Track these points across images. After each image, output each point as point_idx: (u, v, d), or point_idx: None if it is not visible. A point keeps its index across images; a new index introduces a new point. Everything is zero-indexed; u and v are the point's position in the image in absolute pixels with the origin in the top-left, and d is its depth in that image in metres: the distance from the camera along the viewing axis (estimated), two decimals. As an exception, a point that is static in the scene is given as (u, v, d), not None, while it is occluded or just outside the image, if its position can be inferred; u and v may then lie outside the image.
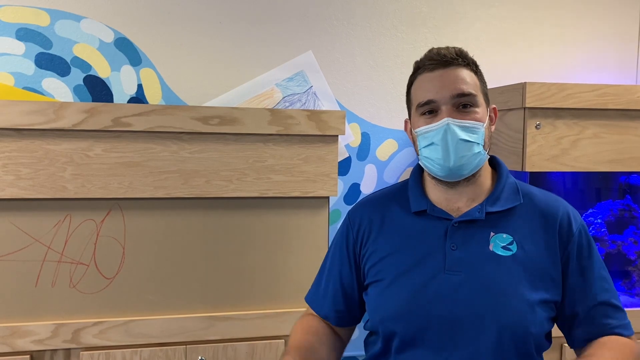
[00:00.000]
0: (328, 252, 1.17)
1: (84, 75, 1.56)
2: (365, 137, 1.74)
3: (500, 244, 1.00)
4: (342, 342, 1.14)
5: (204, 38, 1.63)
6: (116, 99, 1.57)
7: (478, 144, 0.99)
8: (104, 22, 1.56)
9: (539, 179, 1.58)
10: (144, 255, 1.35)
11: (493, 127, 1.07)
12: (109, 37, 1.57)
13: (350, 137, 1.72)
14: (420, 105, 1.02)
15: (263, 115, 1.37)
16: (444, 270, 1.00)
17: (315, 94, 1.70)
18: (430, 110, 1.01)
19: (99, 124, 1.28)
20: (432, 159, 1.01)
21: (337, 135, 1.42)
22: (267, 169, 1.39)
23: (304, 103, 1.70)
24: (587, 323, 1.00)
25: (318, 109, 1.68)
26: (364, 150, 1.74)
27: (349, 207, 1.75)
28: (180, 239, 1.37)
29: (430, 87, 1.00)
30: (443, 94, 0.99)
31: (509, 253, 1.00)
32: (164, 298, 1.36)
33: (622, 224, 1.69)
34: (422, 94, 1.01)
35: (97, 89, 1.56)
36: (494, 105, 1.07)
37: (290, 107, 1.68)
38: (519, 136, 1.46)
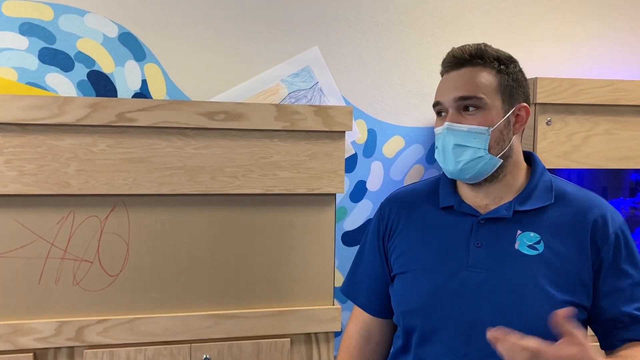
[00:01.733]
0: (362, 243, 1.19)
1: (88, 70, 1.54)
2: (371, 133, 1.72)
3: (526, 242, 0.98)
4: (385, 341, 1.16)
5: (209, 33, 1.61)
6: (120, 94, 1.56)
7: (478, 148, 0.97)
8: (108, 16, 1.54)
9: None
10: (149, 252, 1.33)
11: (520, 127, 1.02)
12: (113, 32, 1.55)
13: (357, 133, 1.70)
14: (434, 106, 1.04)
15: (269, 111, 1.35)
16: (467, 267, 0.98)
17: (321, 89, 1.68)
18: (439, 111, 1.03)
19: (103, 119, 1.27)
20: (439, 161, 1.03)
21: (344, 132, 1.40)
22: (273, 165, 1.37)
23: (310, 99, 1.68)
24: (623, 330, 0.97)
25: (324, 104, 1.66)
26: (370, 147, 1.72)
27: (355, 205, 1.74)
28: (184, 236, 1.35)
29: (441, 88, 1.02)
30: (447, 97, 1.00)
31: (535, 252, 0.97)
32: (168, 296, 1.35)
33: (633, 222, 1.67)
34: (436, 95, 1.04)
35: (101, 84, 1.55)
36: (524, 104, 1.02)
37: (296, 103, 1.66)
38: (530, 132, 1.44)
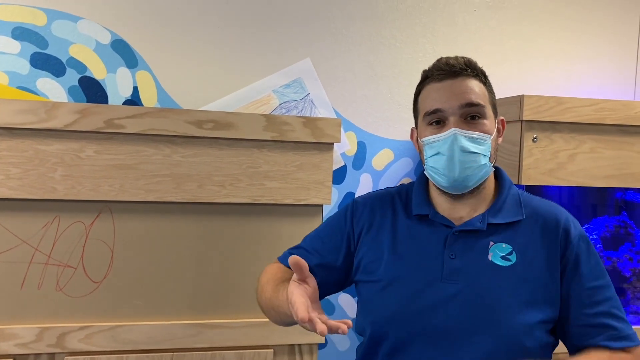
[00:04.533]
0: (324, 224, 1.15)
1: (80, 76, 1.54)
2: (361, 146, 1.73)
3: (499, 253, 0.99)
4: None
5: (202, 42, 1.62)
6: (111, 100, 1.56)
7: (484, 155, 0.98)
8: (101, 23, 1.55)
9: (534, 192, 1.57)
10: (133, 259, 1.33)
11: (500, 139, 1.06)
12: (106, 39, 1.56)
13: (346, 145, 1.71)
14: (427, 114, 1.01)
15: (258, 121, 1.35)
16: (441, 279, 0.98)
17: (312, 101, 1.69)
18: (437, 120, 1.00)
19: (92, 125, 1.27)
20: (437, 169, 1.00)
21: (333, 143, 1.41)
22: (261, 175, 1.37)
23: (301, 110, 1.68)
24: (587, 337, 0.98)
25: (314, 116, 1.67)
26: (360, 159, 1.73)
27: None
28: (170, 244, 1.35)
29: (438, 96, 1.00)
30: (451, 104, 0.98)
31: (508, 263, 0.98)
32: (151, 304, 1.34)
33: (617, 240, 1.68)
34: (429, 103, 1.01)
35: (92, 91, 1.55)
36: (502, 117, 1.06)
37: (287, 114, 1.67)
38: (516, 149, 1.45)
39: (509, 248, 0.99)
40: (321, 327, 0.76)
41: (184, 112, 1.32)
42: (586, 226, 1.69)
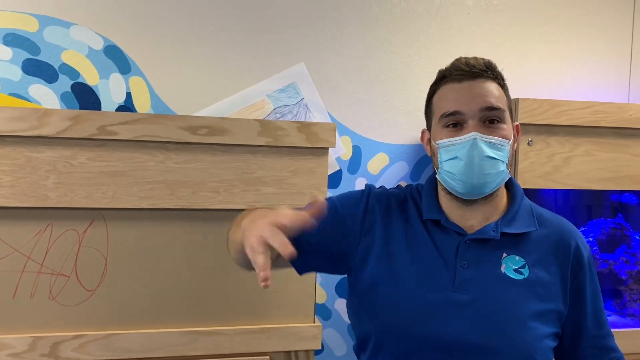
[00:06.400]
0: (332, 199, 1.08)
1: (72, 82, 1.53)
2: (356, 150, 1.72)
3: (512, 266, 0.96)
4: None
5: (195, 47, 1.61)
6: (104, 107, 1.55)
7: (503, 162, 0.95)
8: (93, 29, 1.54)
9: (530, 195, 1.56)
10: (127, 267, 1.32)
11: (516, 145, 1.03)
12: (99, 45, 1.55)
13: (342, 150, 1.71)
14: (444, 116, 0.97)
15: (252, 126, 1.35)
16: (453, 288, 0.95)
17: (306, 106, 1.69)
18: (455, 122, 0.96)
19: (84, 132, 1.26)
20: (454, 174, 0.96)
21: (328, 148, 1.41)
22: (256, 181, 1.37)
23: (295, 115, 1.68)
24: (592, 355, 0.98)
25: (309, 121, 1.66)
26: (355, 163, 1.72)
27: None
28: (164, 251, 1.34)
29: (457, 98, 0.95)
30: (471, 107, 0.94)
31: (520, 277, 0.96)
32: (146, 311, 1.33)
33: (613, 242, 1.68)
34: (447, 105, 0.97)
35: (85, 97, 1.54)
36: (517, 123, 1.03)
37: (281, 119, 1.66)
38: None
39: (522, 261, 0.97)
40: (264, 274, 0.69)
41: (177, 118, 1.31)
42: (582, 229, 1.69)
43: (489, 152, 0.93)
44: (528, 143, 1.42)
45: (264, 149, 1.37)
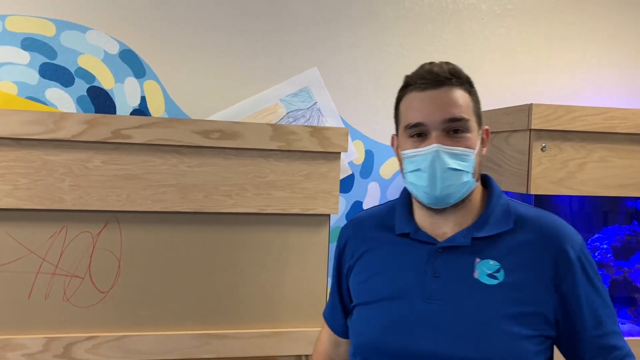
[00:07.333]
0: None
1: (88, 86, 1.55)
2: (369, 154, 1.72)
3: (486, 271, 0.94)
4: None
5: (209, 52, 1.62)
6: (119, 110, 1.57)
7: (467, 172, 0.93)
8: (109, 33, 1.56)
9: (543, 202, 1.55)
10: (140, 269, 1.33)
11: (485, 150, 1.00)
12: (114, 49, 1.57)
13: (354, 154, 1.71)
14: (408, 127, 0.96)
15: (265, 131, 1.35)
16: (423, 299, 0.94)
17: (319, 110, 1.69)
18: (418, 133, 0.95)
19: (99, 136, 1.27)
20: (417, 185, 0.95)
21: (340, 152, 1.41)
22: (268, 185, 1.37)
23: (308, 119, 1.68)
24: (595, 355, 0.94)
25: (322, 125, 1.66)
26: (368, 168, 1.72)
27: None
28: (177, 254, 1.35)
29: (421, 108, 0.94)
30: (434, 118, 0.92)
31: (494, 282, 0.93)
32: (159, 313, 1.34)
33: (628, 249, 1.66)
34: (411, 115, 0.95)
35: (100, 100, 1.56)
36: (487, 127, 1.00)
37: (294, 123, 1.67)
38: (524, 158, 1.44)
39: (497, 265, 0.94)
40: None
41: (190, 122, 1.32)
42: (597, 235, 1.67)
43: (452, 163, 0.92)
44: (542, 149, 1.41)
45: (276, 153, 1.37)
